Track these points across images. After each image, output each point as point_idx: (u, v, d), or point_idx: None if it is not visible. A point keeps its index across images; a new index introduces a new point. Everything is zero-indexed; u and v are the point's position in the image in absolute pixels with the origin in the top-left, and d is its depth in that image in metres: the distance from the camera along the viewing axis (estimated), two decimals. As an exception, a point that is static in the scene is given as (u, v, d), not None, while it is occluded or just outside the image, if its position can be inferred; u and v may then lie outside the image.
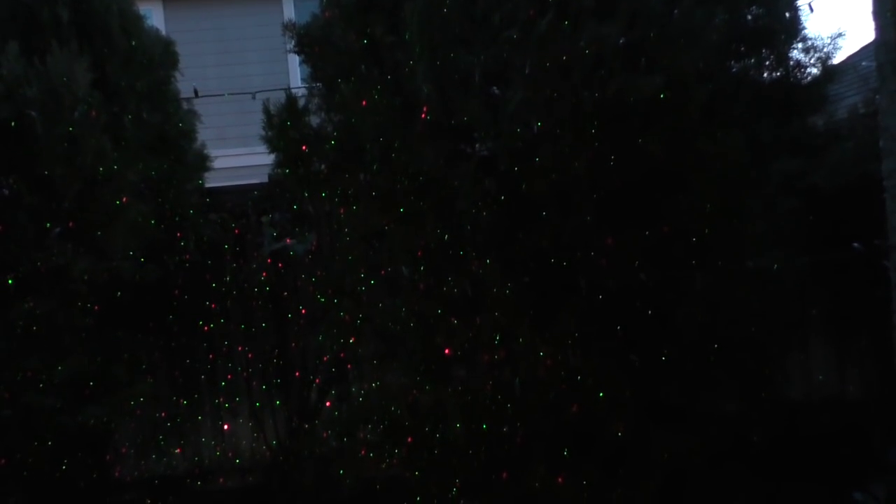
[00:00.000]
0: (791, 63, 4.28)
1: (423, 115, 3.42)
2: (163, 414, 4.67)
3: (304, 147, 3.64)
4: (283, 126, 3.68)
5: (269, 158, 4.41)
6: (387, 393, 3.74)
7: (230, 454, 5.26)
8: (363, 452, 3.89)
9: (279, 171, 3.79)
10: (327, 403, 4.16)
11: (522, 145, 3.30)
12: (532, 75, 3.29)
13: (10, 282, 3.67)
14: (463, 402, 3.49)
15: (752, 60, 4.16)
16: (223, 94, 6.13)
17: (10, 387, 3.76)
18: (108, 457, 4.75)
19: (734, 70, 4.07)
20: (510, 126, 3.28)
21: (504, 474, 3.58)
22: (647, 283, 3.28)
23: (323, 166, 3.66)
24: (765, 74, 4.21)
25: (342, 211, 3.79)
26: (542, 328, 3.34)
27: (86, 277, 3.94)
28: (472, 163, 3.37)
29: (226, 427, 5.25)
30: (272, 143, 3.72)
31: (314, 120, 3.78)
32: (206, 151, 5.14)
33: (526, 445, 3.55)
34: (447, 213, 3.32)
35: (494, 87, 3.46)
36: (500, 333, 3.38)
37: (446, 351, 3.48)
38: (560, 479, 3.54)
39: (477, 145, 3.61)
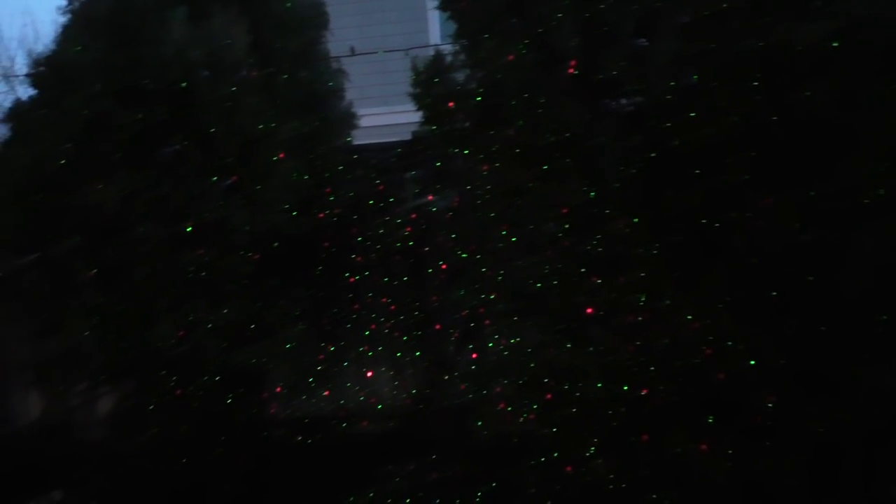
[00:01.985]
0: None
1: (568, 70, 3.35)
2: (319, 357, 4.93)
3: (449, 103, 3.67)
4: (429, 83, 3.73)
5: (409, 117, 4.48)
6: (525, 349, 3.76)
7: (372, 400, 5.52)
8: (501, 406, 3.95)
9: (425, 127, 3.85)
10: (473, 356, 4.26)
11: (673, 99, 3.16)
12: (686, 25, 3.12)
13: (188, 229, 3.98)
14: (603, 362, 3.45)
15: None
16: (376, 52, 6.24)
17: (182, 327, 4.13)
18: (264, 395, 5.13)
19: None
20: (660, 79, 3.14)
21: (644, 437, 3.53)
22: (807, 246, 3.07)
23: (467, 122, 3.67)
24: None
25: (484, 168, 3.81)
26: (690, 290, 3.22)
27: (246, 228, 4.23)
28: (619, 118, 3.26)
29: (368, 374, 5.51)
30: (418, 100, 3.78)
31: (459, 77, 3.79)
32: (352, 110, 5.31)
33: (667, 410, 3.47)
34: (592, 169, 3.25)
35: (643, 39, 3.32)
36: (644, 294, 3.29)
37: (587, 310, 3.45)
38: (703, 447, 3.44)
39: (623, 100, 3.50)
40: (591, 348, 3.46)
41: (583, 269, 3.35)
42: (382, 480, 4.56)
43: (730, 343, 3.21)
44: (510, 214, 3.79)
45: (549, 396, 3.68)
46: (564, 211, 3.33)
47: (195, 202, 4.21)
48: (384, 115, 6.93)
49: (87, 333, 4.15)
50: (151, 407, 4.41)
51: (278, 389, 5.23)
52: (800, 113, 3.09)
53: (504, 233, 3.82)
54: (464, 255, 3.95)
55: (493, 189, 3.84)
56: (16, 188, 4.30)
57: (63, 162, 4.21)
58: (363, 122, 5.53)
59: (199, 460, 4.64)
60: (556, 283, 3.42)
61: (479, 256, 3.79)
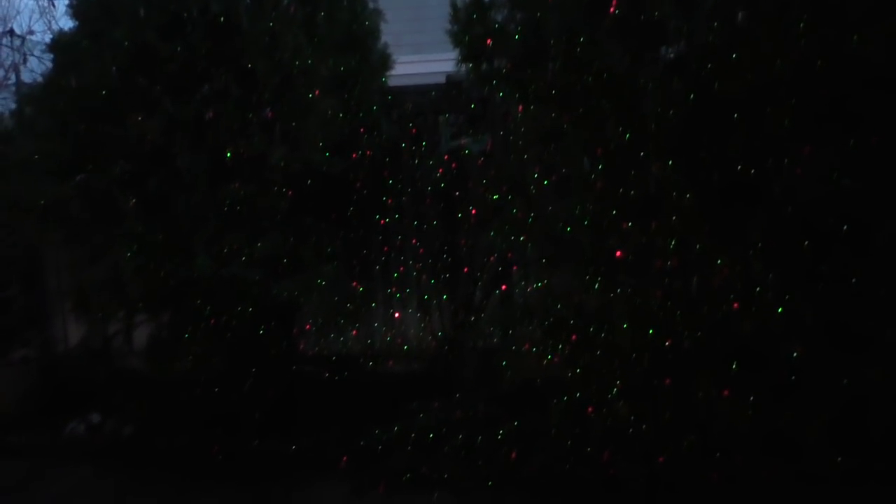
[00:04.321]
0: None
1: (611, 10, 3.31)
2: (349, 297, 5.00)
3: (487, 41, 3.65)
4: (468, 20, 3.70)
5: (442, 66, 4.45)
6: (553, 292, 3.81)
7: (399, 341, 5.65)
8: (526, 348, 4.01)
9: (462, 65, 3.83)
10: (500, 299, 4.31)
11: (717, 42, 3.11)
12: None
13: (227, 155, 4.03)
14: (630, 306, 3.48)
15: None
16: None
17: (218, 258, 4.23)
18: (294, 331, 5.27)
19: None
20: (706, 22, 3.09)
21: (666, 381, 3.58)
22: (845, 198, 3.04)
23: (505, 62, 3.66)
24: None
25: (520, 109, 3.80)
26: (722, 237, 3.21)
27: (281, 164, 4.29)
28: (660, 61, 3.23)
29: (396, 315, 5.62)
30: (456, 38, 3.76)
31: (498, 16, 3.76)
32: (388, 51, 5.29)
33: (692, 356, 3.51)
34: (630, 113, 3.23)
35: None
36: (675, 240, 3.30)
37: (617, 254, 3.46)
38: (725, 393, 3.48)
39: (666, 48, 3.45)
40: (619, 291, 3.49)
41: (615, 213, 3.36)
42: (407, 416, 4.69)
43: (759, 290, 3.22)
44: (544, 157, 3.79)
45: (574, 338, 3.73)
46: (598, 152, 3.32)
47: (234, 136, 4.27)
48: (418, 64, 6.88)
49: (126, 262, 4.26)
50: (187, 335, 4.55)
51: (308, 327, 5.36)
52: (846, 64, 3.02)
53: (536, 175, 3.83)
54: (495, 198, 3.97)
55: (529, 131, 3.83)
56: (61, 118, 4.40)
57: (106, 93, 4.28)
58: (397, 71, 5.51)
59: (232, 390, 4.81)
60: (587, 225, 3.43)
61: (510, 198, 3.80)
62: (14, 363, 5.81)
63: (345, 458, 4.52)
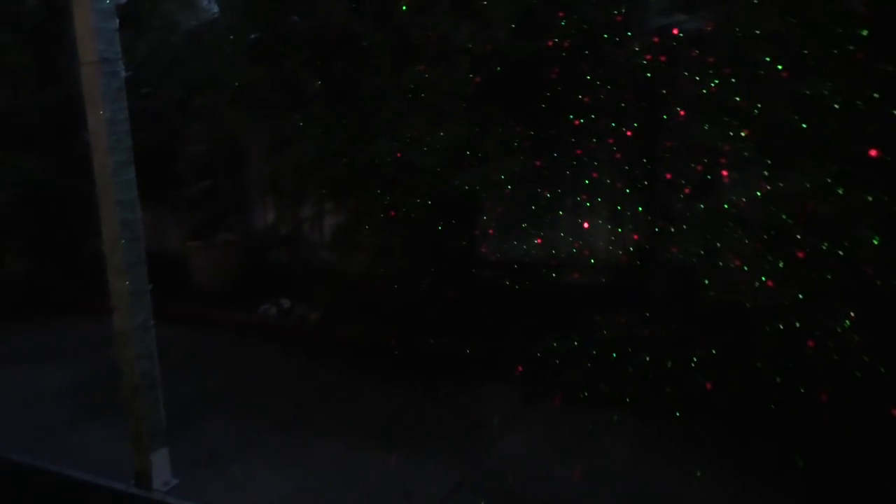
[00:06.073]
0: None
1: None
2: (535, 194, 4.62)
3: None
4: None
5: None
6: (777, 198, 3.17)
7: (585, 252, 5.21)
8: (736, 264, 3.43)
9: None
10: (708, 196, 3.71)
11: None
12: None
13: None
14: (881, 217, 2.78)
15: None
16: None
17: (400, 147, 4.03)
18: (476, 233, 5.02)
19: None
20: None
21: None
22: None
23: None
24: None
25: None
26: None
27: (469, 46, 3.93)
28: None
29: (585, 225, 5.16)
30: None
31: None
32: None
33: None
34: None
35: None
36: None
37: (871, 152, 2.75)
38: None
39: None
40: (869, 199, 2.79)
41: (876, 95, 2.63)
42: (589, 330, 4.34)
43: None
44: (777, 34, 3.09)
45: (800, 255, 3.10)
46: (862, 12, 2.58)
47: (420, 16, 3.97)
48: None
49: (310, 147, 4.20)
50: (367, 227, 4.47)
51: (490, 231, 5.08)
52: None
53: (768, 59, 3.15)
54: (715, 83, 3.33)
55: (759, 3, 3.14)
56: (255, 4, 4.36)
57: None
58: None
59: (410, 287, 4.71)
60: (834, 112, 2.74)
61: (733, 82, 3.16)
62: (218, 246, 6.20)
63: (520, 368, 4.28)
